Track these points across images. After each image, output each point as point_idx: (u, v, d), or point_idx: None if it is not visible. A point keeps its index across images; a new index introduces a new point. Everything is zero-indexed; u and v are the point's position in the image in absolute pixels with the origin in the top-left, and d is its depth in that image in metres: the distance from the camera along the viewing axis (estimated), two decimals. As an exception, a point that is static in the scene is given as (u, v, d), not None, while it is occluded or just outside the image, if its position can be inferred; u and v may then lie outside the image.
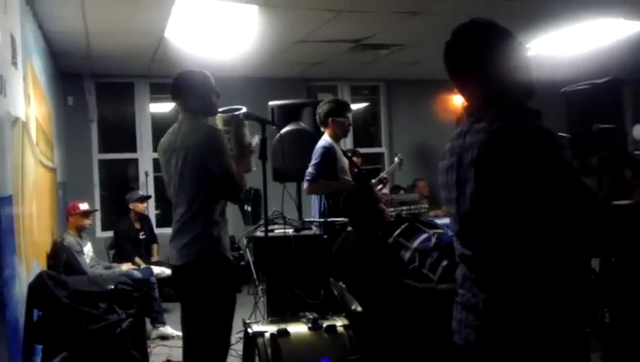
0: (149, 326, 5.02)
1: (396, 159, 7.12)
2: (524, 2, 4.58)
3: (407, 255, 3.18)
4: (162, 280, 5.73)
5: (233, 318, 2.96)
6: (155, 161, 6.18)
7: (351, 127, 4.66)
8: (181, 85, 3.04)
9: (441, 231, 3.33)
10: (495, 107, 1.68)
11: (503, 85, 1.69)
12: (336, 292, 3.31)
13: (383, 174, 4.95)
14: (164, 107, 7.85)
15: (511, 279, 1.61)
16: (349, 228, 3.40)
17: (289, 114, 4.71)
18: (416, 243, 3.19)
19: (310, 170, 4.32)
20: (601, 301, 2.31)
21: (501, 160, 1.55)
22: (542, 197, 1.53)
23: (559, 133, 1.65)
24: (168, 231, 3.12)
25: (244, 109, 3.18)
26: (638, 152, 7.85)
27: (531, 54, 1.63)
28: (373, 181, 4.72)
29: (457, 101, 8.54)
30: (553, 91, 3.19)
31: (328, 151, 4.37)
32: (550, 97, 1.74)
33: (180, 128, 3.00)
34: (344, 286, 3.13)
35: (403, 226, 3.38)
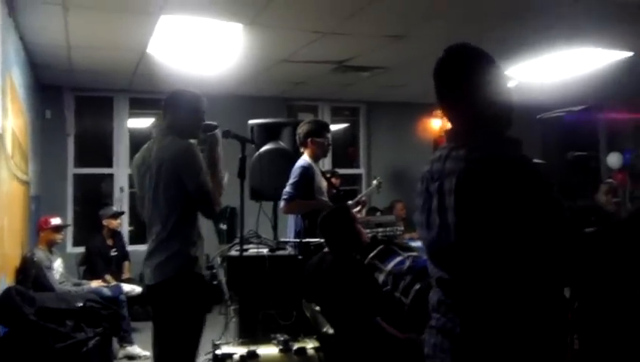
0: (116, 345, 4.92)
1: (375, 182, 7.13)
2: (506, 30, 4.65)
3: (381, 277, 3.17)
4: (132, 299, 5.63)
5: (201, 339, 2.91)
6: (132, 177, 6.13)
7: (330, 148, 4.66)
8: (172, 102, 3.02)
9: (415, 254, 3.33)
10: (476, 134, 1.69)
11: (487, 112, 1.71)
12: (308, 314, 3.27)
13: (361, 196, 4.95)
14: (142, 122, 7.79)
15: (488, 304, 1.60)
16: (325, 250, 3.38)
17: (269, 133, 4.70)
18: (390, 265, 3.18)
19: (288, 189, 4.31)
20: (571, 327, 2.31)
21: (480, 189, 1.56)
22: (521, 225, 1.53)
23: (534, 160, 1.66)
24: (141, 248, 3.07)
25: (217, 127, 3.15)
26: (610, 180, 8.01)
27: (513, 83, 1.67)
28: (351, 202, 4.71)
29: (436, 125, 8.63)
30: (529, 117, 3.22)
31: (307, 171, 4.36)
32: (526, 123, 1.76)
33: (155, 144, 2.97)
34: (317, 308, 3.09)
35: (378, 248, 3.37)
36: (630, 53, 5.64)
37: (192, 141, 3.04)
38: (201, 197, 2.84)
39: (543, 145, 3.73)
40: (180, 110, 3.00)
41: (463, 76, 1.73)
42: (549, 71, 6.12)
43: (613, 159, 8.54)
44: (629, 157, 7.16)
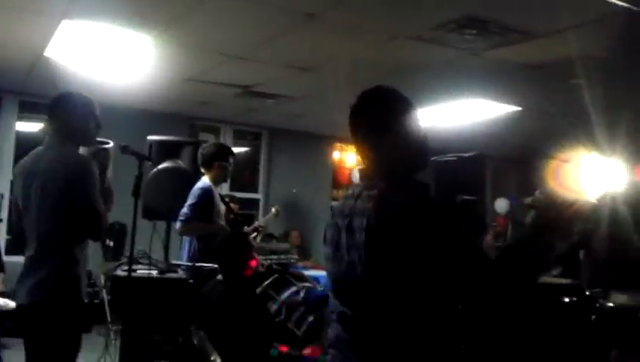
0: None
1: (273, 210, 7.14)
2: (408, 77, 4.85)
3: (274, 307, 3.14)
4: (4, 314, 5.21)
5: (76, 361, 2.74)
6: (13, 184, 5.71)
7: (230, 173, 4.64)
8: (59, 105, 2.79)
9: (309, 285, 3.33)
10: (389, 176, 1.71)
11: (402, 153, 1.73)
12: (195, 341, 3.18)
13: (259, 223, 4.93)
14: (32, 127, 7.33)
15: (387, 342, 1.62)
16: (219, 277, 3.30)
17: (168, 151, 4.56)
18: (284, 295, 3.16)
19: (185, 210, 4.21)
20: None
21: (390, 229, 1.58)
22: (428, 265, 1.56)
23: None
24: (18, 259, 2.84)
25: (111, 143, 3.00)
26: (495, 224, 8.51)
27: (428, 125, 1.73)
28: (248, 228, 4.68)
29: (336, 157, 8.82)
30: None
31: (207, 193, 4.29)
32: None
33: (46, 152, 2.75)
34: (206, 335, 3.01)
35: (273, 277, 3.35)
36: (518, 108, 6.09)
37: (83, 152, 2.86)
38: (90, 218, 2.66)
39: (435, 187, 3.89)
40: (70, 114, 2.77)
41: (380, 118, 1.75)
42: (446, 117, 6.46)
43: (501, 204, 9.11)
44: (514, 204, 7.67)
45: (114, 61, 5.10)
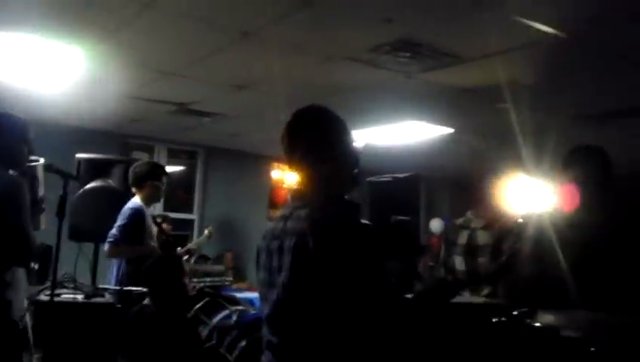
0: None
1: (206, 231, 7.01)
2: (346, 95, 4.89)
3: (205, 332, 3.05)
4: None
5: None
6: None
7: (164, 193, 4.53)
8: None
9: (242, 308, 3.27)
10: (319, 195, 1.70)
11: (333, 173, 1.73)
12: (123, 369, 3.05)
13: (191, 245, 4.81)
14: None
15: None
16: (146, 301, 3.18)
17: (97, 169, 4.42)
18: (216, 319, 3.09)
19: (114, 231, 4.06)
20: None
21: (316, 251, 1.56)
22: (352, 290, 1.54)
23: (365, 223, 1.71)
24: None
25: (41, 161, 2.89)
26: (431, 245, 8.64)
27: (360, 145, 1.74)
28: (180, 250, 4.55)
29: (274, 177, 8.77)
30: (360, 180, 3.35)
31: (137, 213, 4.16)
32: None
33: None
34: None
35: (204, 301, 3.26)
36: (451, 130, 6.24)
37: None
38: (18, 241, 2.54)
39: (369, 207, 3.92)
40: (2, 136, 2.70)
41: (317, 137, 1.74)
42: (381, 138, 6.55)
43: (436, 224, 9.28)
44: (447, 224, 7.83)
45: (42, 74, 4.89)
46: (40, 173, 2.93)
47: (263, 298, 1.76)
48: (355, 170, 1.78)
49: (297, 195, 1.77)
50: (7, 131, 2.72)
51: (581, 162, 2.76)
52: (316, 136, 1.74)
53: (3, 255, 2.56)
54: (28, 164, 2.86)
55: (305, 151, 1.74)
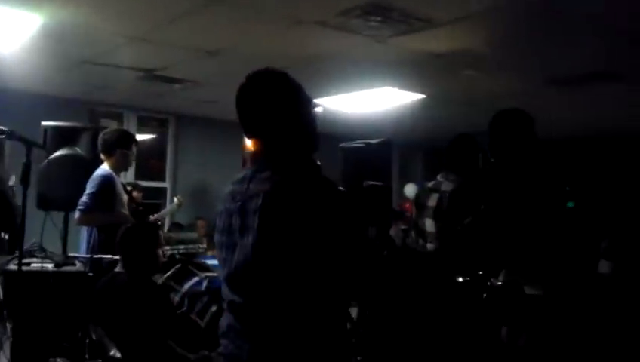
0: None
1: (175, 200, 6.96)
2: (317, 61, 4.85)
3: (176, 298, 3.06)
4: None
5: None
6: None
7: (134, 162, 4.48)
8: None
9: (213, 274, 3.27)
10: (280, 158, 1.69)
11: (289, 137, 1.72)
12: (94, 337, 3.04)
13: (161, 214, 4.78)
14: None
15: (277, 330, 1.60)
16: (118, 269, 3.17)
17: (64, 137, 4.33)
18: (186, 286, 3.09)
19: (85, 198, 4.02)
20: (355, 350, 2.44)
21: (283, 211, 1.57)
22: (320, 247, 1.55)
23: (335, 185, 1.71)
24: None
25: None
26: (400, 208, 8.71)
27: (319, 110, 1.74)
28: (151, 218, 4.52)
29: (246, 144, 8.71)
30: (332, 146, 3.36)
31: (107, 180, 4.12)
32: (329, 151, 1.83)
33: None
34: (104, 330, 2.89)
35: (175, 268, 3.26)
36: (423, 96, 6.25)
37: None
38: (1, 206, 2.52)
39: (342, 173, 3.93)
40: None
41: (267, 101, 1.74)
42: (354, 105, 6.54)
43: (410, 189, 9.34)
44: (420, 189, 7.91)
45: (1, 42, 4.74)
46: (7, 144, 2.88)
47: (222, 259, 1.76)
48: (315, 133, 1.78)
49: (258, 158, 1.76)
50: None
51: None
52: (272, 100, 1.73)
53: None
54: None
55: (263, 116, 1.73)
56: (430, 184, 3.68)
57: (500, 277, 1.91)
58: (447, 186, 3.50)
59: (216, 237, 1.79)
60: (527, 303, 1.78)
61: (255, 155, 1.77)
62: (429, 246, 3.42)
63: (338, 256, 1.57)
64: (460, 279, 1.86)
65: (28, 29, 4.35)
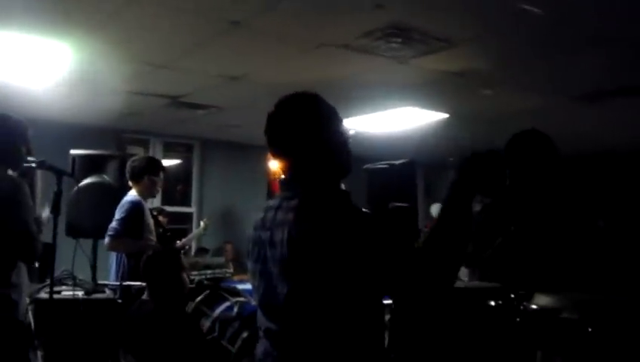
0: None
1: (202, 223, 7.00)
2: (339, 83, 4.87)
3: (207, 324, 3.06)
4: None
5: None
6: None
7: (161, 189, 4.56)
8: None
9: (243, 299, 3.27)
10: (308, 185, 1.67)
11: (320, 160, 1.69)
12: (125, 365, 3.05)
13: (188, 239, 4.82)
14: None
15: (314, 356, 1.58)
16: (144, 297, 3.18)
17: (92, 165, 4.40)
18: (217, 311, 3.09)
19: (114, 224, 4.08)
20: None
21: (310, 241, 1.54)
22: (350, 273, 1.53)
23: (362, 209, 1.68)
24: None
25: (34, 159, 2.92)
26: (427, 229, 8.66)
27: (352, 133, 1.71)
28: (179, 243, 4.56)
29: (272, 168, 8.74)
30: (356, 167, 3.35)
31: (136, 206, 4.18)
32: (353, 172, 1.79)
33: None
34: (134, 359, 2.89)
35: (205, 293, 3.26)
36: (446, 115, 6.23)
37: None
38: (24, 239, 2.60)
39: (367, 194, 3.91)
40: (2, 137, 2.77)
41: (298, 123, 1.70)
42: (377, 125, 6.54)
43: (435, 209, 9.28)
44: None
45: (32, 71, 4.86)
46: (38, 174, 2.97)
47: (256, 287, 1.74)
48: (347, 158, 1.75)
49: (286, 185, 1.75)
50: (7, 133, 2.79)
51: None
52: (302, 122, 1.70)
53: (8, 255, 2.61)
54: (27, 164, 2.90)
55: (291, 140, 1.70)
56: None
57: (534, 301, 1.87)
58: (474, 206, 3.46)
59: (250, 265, 1.78)
60: (563, 327, 1.74)
61: (283, 180, 1.76)
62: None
63: (370, 281, 1.54)
64: (492, 303, 1.83)
65: (56, 59, 4.46)
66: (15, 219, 2.59)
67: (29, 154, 2.90)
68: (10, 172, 2.78)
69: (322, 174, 1.70)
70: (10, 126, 2.81)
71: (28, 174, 2.92)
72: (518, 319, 1.80)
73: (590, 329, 1.60)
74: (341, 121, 1.76)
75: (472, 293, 2.05)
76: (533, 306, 1.80)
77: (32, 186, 2.89)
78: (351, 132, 1.78)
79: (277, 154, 1.75)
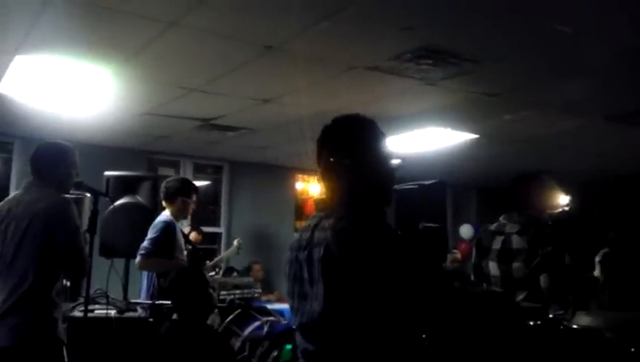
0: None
1: (235, 242, 7.04)
2: (372, 104, 4.88)
3: (237, 343, 3.06)
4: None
5: None
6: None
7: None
8: (44, 154, 2.92)
9: (273, 318, 3.27)
10: (343, 204, 1.68)
11: (359, 183, 1.69)
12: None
13: (220, 258, 4.85)
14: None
15: None
16: (174, 316, 3.19)
17: (125, 186, 4.49)
18: (247, 331, 3.09)
19: (146, 243, 4.13)
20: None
21: (341, 260, 1.55)
22: (386, 293, 1.53)
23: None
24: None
25: (88, 194, 3.06)
26: (456, 251, 8.55)
27: (397, 163, 1.70)
28: (209, 263, 4.59)
29: (299, 189, 8.79)
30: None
31: (169, 226, 4.23)
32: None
33: (25, 196, 2.81)
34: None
35: (235, 313, 3.27)
36: (475, 136, 6.20)
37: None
38: (73, 257, 2.70)
39: (396, 215, 3.90)
40: (54, 164, 2.90)
41: (349, 145, 1.71)
42: (406, 146, 6.53)
43: (465, 230, 9.20)
44: (478, 230, 7.78)
45: (70, 95, 5.00)
46: (87, 202, 3.10)
47: (294, 308, 1.75)
48: (391, 183, 1.74)
49: (324, 204, 1.75)
50: (60, 160, 2.93)
51: None
52: (348, 143, 1.71)
53: (55, 273, 2.69)
54: (79, 195, 3.03)
55: (335, 158, 1.71)
56: (493, 226, 3.58)
57: (574, 320, 1.84)
58: (511, 228, 3.42)
59: (287, 286, 1.79)
60: (605, 347, 1.71)
61: (321, 201, 1.76)
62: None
63: (406, 301, 1.54)
64: (531, 323, 1.81)
65: (95, 83, 4.58)
66: (67, 235, 2.70)
67: (77, 176, 3.02)
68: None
69: (360, 195, 1.70)
70: (61, 152, 2.96)
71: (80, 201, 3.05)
72: (559, 338, 1.77)
73: (633, 349, 1.58)
74: (387, 147, 1.76)
75: (512, 313, 2.03)
76: (574, 326, 1.77)
77: (79, 206, 3.01)
78: (397, 162, 1.78)
79: (323, 173, 1.74)
